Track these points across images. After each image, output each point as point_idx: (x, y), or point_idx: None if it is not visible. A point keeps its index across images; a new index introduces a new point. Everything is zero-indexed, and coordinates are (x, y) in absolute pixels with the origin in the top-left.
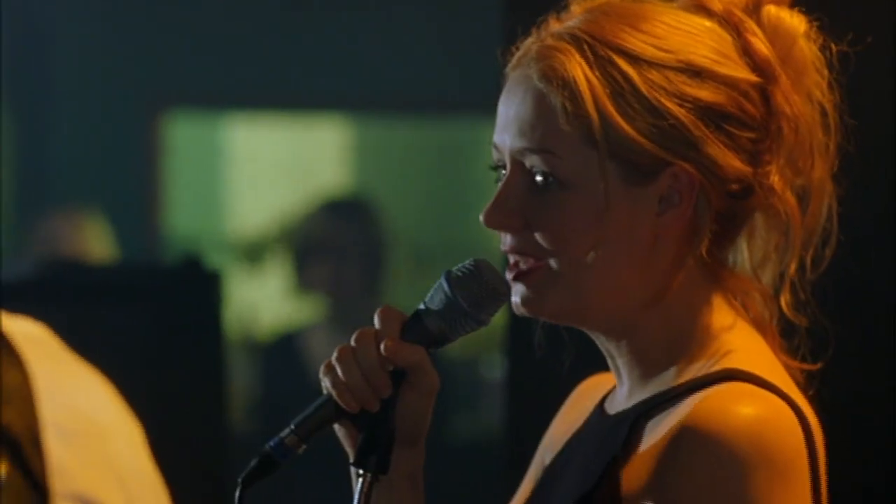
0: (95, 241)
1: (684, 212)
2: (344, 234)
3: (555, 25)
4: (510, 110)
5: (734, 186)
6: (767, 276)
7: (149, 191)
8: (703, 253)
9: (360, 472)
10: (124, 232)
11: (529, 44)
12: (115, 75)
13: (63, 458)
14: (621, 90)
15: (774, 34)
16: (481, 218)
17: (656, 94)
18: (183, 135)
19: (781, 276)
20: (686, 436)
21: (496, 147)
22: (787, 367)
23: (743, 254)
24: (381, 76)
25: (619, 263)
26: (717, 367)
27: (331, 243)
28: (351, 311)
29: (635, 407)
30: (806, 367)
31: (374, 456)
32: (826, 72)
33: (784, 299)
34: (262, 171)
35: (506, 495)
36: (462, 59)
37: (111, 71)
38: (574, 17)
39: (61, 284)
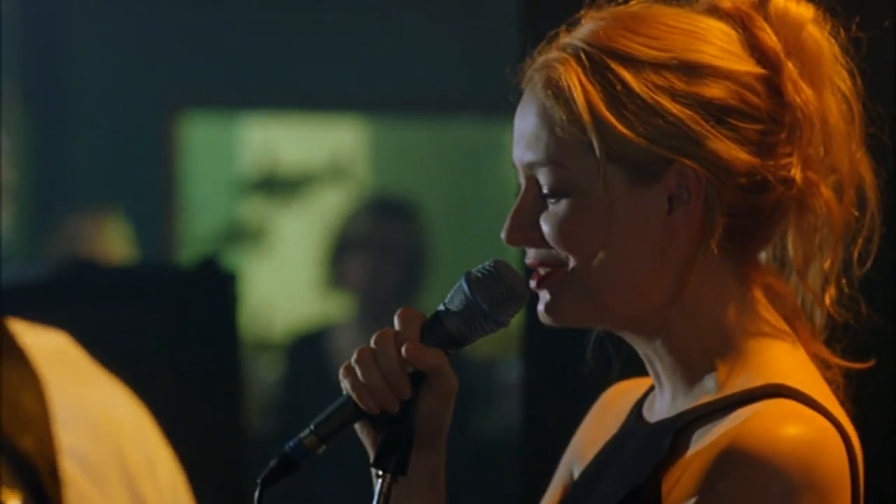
0: (116, 242)
1: (694, 208)
2: (387, 233)
3: (563, 38)
4: (520, 125)
5: (743, 180)
6: (814, 275)
7: (165, 191)
8: (715, 248)
9: (380, 472)
10: (140, 232)
11: (538, 58)
12: (131, 75)
13: (81, 486)
14: (616, 93)
15: (782, 25)
16: (502, 236)
17: (651, 94)
18: (199, 135)
19: (827, 273)
20: (733, 455)
21: (514, 165)
22: (829, 368)
23: (790, 253)
24: (398, 76)
25: (630, 262)
26: (762, 381)
27: (373, 242)
28: (384, 311)
29: (680, 415)
30: (850, 365)
31: (394, 457)
32: (844, 60)
33: (829, 296)
34: (278, 171)
35: (521, 497)
36: (479, 59)
37: (127, 71)
38: (580, 28)
39: (78, 285)
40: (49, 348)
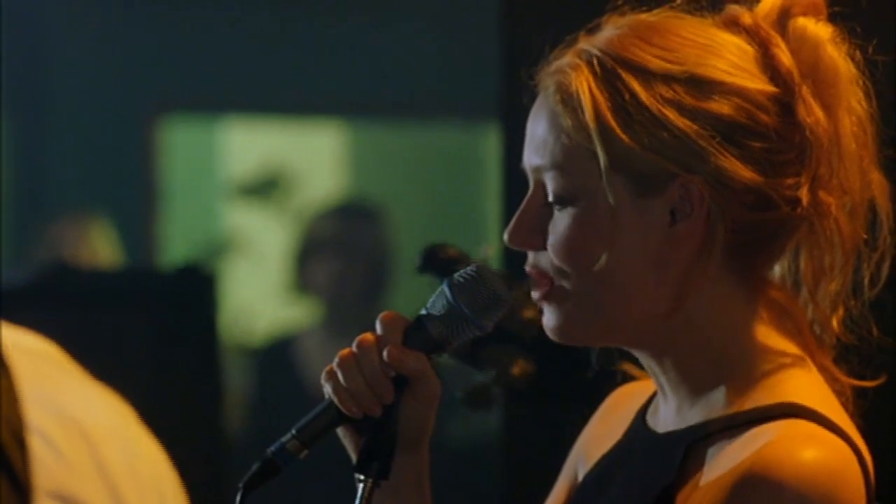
0: (98, 246)
1: (696, 222)
2: (351, 237)
3: (581, 43)
4: (531, 128)
5: (748, 198)
6: (823, 295)
7: (146, 195)
8: (714, 263)
9: (362, 477)
10: (122, 236)
11: (554, 62)
12: (113, 80)
13: (47, 460)
14: (624, 102)
15: (800, 44)
16: (504, 238)
17: (660, 106)
18: (180, 139)
19: (834, 294)
20: (753, 480)
21: (524, 168)
22: (839, 383)
23: (801, 272)
24: (378, 81)
25: (630, 274)
26: (776, 399)
27: (337, 246)
28: (351, 316)
29: (689, 430)
30: (858, 383)
31: (376, 462)
32: (861, 81)
33: (836, 318)
34: (259, 175)
35: (503, 500)
36: (459, 64)
37: (109, 75)
38: (598, 35)
39: (60, 289)
40: (27, 347)
